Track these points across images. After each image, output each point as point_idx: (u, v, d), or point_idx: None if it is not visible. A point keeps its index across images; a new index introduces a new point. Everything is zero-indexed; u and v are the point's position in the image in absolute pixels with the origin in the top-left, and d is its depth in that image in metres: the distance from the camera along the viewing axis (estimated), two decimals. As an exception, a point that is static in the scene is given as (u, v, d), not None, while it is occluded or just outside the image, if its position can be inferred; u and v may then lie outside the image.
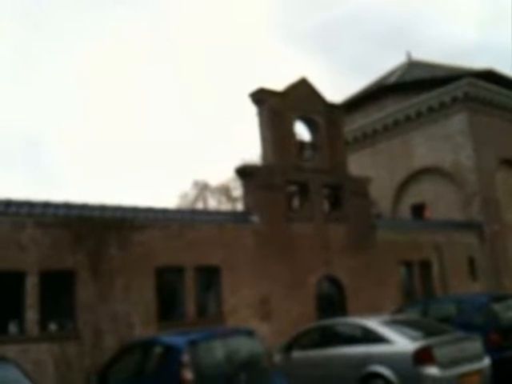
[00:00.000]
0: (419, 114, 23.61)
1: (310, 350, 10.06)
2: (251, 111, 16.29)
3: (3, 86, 56.96)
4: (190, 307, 13.00)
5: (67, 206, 11.86)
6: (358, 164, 22.84)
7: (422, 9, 69.50)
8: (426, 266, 18.75)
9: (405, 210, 24.36)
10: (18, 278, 10.70)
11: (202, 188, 37.12)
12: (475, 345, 8.72)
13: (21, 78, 58.66)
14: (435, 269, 18.93)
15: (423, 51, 52.32)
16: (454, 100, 22.45)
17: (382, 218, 21.63)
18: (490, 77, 24.91)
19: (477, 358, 8.57)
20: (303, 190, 16.38)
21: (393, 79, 27.84)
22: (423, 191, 23.69)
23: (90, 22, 62.75)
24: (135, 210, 12.88)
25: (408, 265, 18.28)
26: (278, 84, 16.60)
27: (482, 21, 68.45)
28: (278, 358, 9.85)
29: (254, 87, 16.05)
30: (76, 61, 61.22)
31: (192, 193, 37.14)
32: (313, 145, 17.28)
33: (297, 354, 10.22)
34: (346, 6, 68.43)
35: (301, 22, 69.45)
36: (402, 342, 8.50)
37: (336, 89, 52.14)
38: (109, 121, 62.22)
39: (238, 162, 30.69)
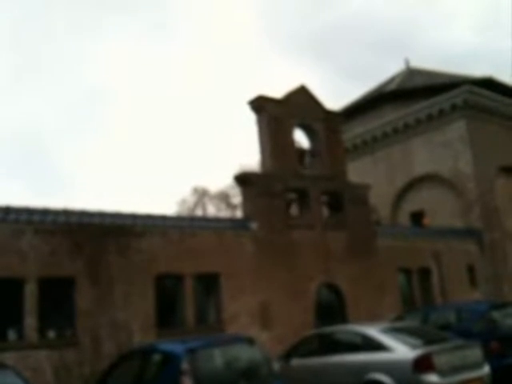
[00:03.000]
0: (418, 122, 23.64)
1: (309, 358, 10.03)
2: (250, 118, 16.32)
3: (3, 91, 57.11)
4: (190, 314, 12.96)
5: (66, 213, 11.84)
6: (357, 171, 22.82)
7: (421, 16, 69.86)
8: (425, 273, 18.73)
9: (404, 218, 24.35)
10: (18, 284, 10.68)
11: (201, 195, 37.07)
12: (475, 352, 8.71)
13: (21, 84, 58.84)
14: (435, 276, 18.90)
15: (422, 58, 52.51)
16: (453, 107, 22.49)
17: (381, 225, 21.60)
18: (489, 84, 24.99)
19: (477, 365, 8.57)
20: (303, 197, 16.36)
21: (392, 87, 27.91)
22: (422, 198, 23.66)
23: (93, 27, 63.02)
24: (134, 217, 12.86)
25: (407, 272, 18.25)
26: (277, 91, 16.64)
27: (481, 27, 68.76)
28: (277, 366, 9.82)
29: (253, 94, 16.09)
30: (75, 66, 61.41)
31: (191, 199, 37.11)
32: (312, 152, 17.29)
33: (296, 362, 10.18)
34: (345, 12, 68.76)
35: (299, 29, 69.77)
36: (401, 350, 8.48)
37: (335, 96, 52.23)
38: (108, 127, 62.34)
39: (237, 168, 30.69)
